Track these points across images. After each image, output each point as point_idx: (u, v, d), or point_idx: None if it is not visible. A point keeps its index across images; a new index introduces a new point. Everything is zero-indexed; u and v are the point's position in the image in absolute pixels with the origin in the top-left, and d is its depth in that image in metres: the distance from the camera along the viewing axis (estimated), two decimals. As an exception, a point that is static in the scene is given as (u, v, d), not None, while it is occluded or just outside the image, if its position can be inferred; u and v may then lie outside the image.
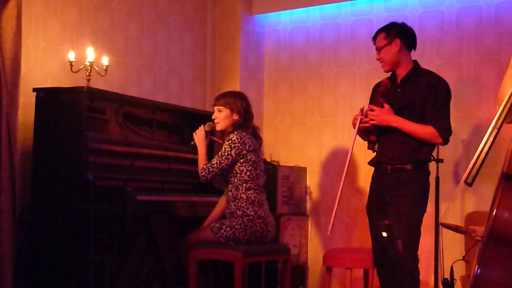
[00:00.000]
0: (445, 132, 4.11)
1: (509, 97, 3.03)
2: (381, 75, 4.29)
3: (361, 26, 5.65)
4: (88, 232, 4.12)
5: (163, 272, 4.90)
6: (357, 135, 4.11)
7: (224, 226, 4.31)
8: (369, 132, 4.12)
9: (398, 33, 4.19)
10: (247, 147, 4.35)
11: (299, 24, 5.98)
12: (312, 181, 5.79)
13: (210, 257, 4.40)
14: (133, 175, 4.65)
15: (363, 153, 5.51)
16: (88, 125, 4.38)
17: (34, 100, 4.39)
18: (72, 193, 4.20)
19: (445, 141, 4.15)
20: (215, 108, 4.49)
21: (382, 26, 4.29)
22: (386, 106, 4.09)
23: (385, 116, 4.08)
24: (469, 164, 2.86)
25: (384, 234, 3.90)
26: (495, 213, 2.81)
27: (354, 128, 4.08)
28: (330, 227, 3.81)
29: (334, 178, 5.70)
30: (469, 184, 3.05)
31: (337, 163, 5.70)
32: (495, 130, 3.01)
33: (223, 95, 4.56)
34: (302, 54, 5.96)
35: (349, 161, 3.94)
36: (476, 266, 2.71)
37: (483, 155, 3.01)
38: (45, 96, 4.38)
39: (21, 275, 4.25)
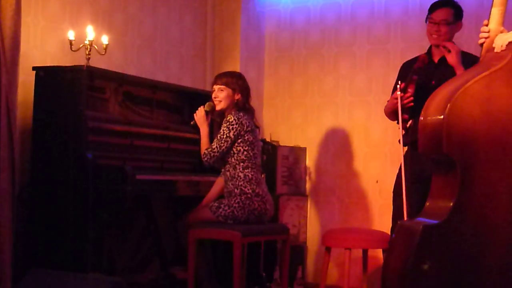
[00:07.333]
0: None
1: None
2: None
3: (361, 7, 5.61)
4: (87, 211, 4.13)
5: (162, 251, 4.92)
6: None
7: (222, 205, 4.32)
8: (402, 111, 3.91)
9: (462, 17, 4.12)
10: (245, 127, 4.35)
11: (300, 4, 5.95)
12: (311, 161, 5.79)
13: (209, 237, 4.41)
14: (132, 154, 4.65)
15: (362, 134, 5.53)
16: (87, 104, 4.37)
17: (34, 78, 4.38)
18: (72, 172, 4.20)
19: None
20: (216, 87, 4.47)
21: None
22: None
23: (457, 60, 3.92)
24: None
25: None
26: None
27: (393, 107, 3.99)
28: None
29: (334, 158, 5.70)
30: None
31: (336, 144, 5.70)
32: None
33: (224, 74, 4.55)
34: (303, 34, 5.94)
35: (403, 148, 3.84)
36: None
37: None
38: (44, 74, 4.37)
39: (20, 253, 4.26)
